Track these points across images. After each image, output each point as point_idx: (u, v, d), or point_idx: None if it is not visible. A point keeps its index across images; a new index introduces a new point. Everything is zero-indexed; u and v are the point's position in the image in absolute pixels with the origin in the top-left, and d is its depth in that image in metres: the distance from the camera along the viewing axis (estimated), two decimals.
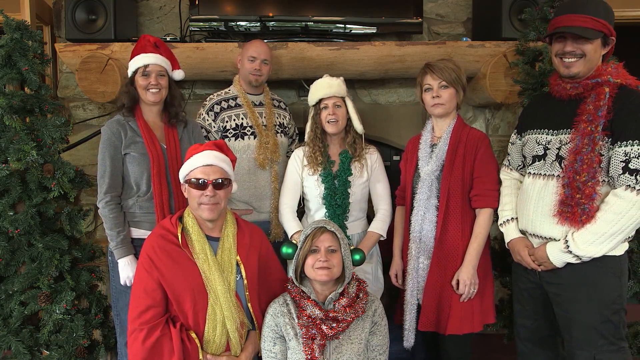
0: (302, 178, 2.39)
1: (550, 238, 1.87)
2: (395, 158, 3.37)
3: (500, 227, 2.08)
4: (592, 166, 1.74)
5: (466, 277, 2.04)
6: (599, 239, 1.74)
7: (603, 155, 1.76)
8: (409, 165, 2.24)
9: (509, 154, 2.15)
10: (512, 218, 2.04)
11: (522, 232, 2.00)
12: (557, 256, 1.82)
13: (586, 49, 1.80)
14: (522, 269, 2.03)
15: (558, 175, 1.83)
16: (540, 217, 1.88)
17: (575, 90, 1.84)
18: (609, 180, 1.78)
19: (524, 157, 2.05)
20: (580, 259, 1.78)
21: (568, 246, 1.78)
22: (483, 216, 2.09)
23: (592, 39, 1.78)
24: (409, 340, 2.15)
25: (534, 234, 1.93)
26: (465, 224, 2.09)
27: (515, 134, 2.12)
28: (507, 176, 2.14)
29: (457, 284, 2.06)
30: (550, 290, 1.92)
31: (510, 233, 2.03)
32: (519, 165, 2.10)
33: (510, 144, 2.14)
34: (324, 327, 1.78)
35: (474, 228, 2.09)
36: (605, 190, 1.78)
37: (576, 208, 1.76)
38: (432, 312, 2.11)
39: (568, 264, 1.82)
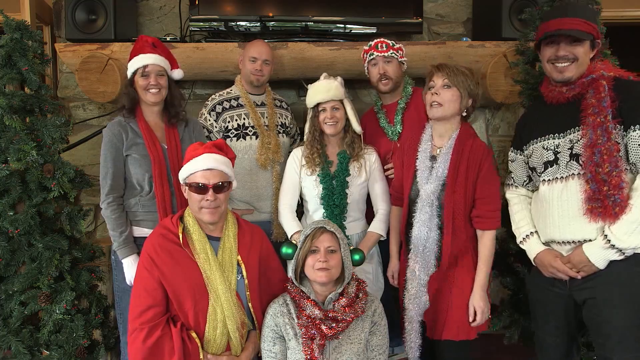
0: (301, 178, 2.39)
1: (582, 241, 1.80)
2: None
3: (521, 245, 2.01)
4: (612, 155, 1.71)
5: (482, 304, 1.94)
6: (639, 226, 1.69)
7: (619, 143, 1.74)
8: (406, 171, 2.12)
9: (511, 172, 2.11)
10: (531, 232, 1.97)
11: (546, 244, 1.93)
12: (598, 255, 1.75)
13: (578, 52, 1.81)
14: (544, 282, 1.95)
15: (578, 174, 1.80)
16: (568, 220, 1.82)
17: (573, 92, 1.84)
18: (630, 168, 1.75)
19: (532, 169, 1.99)
20: (624, 253, 1.72)
21: (609, 240, 1.72)
22: (487, 238, 1.98)
23: (586, 40, 1.80)
24: (412, 356, 2.07)
25: (562, 241, 1.85)
26: (468, 236, 2.00)
27: (513, 151, 2.08)
28: (514, 194, 2.08)
29: (474, 312, 1.95)
30: (581, 297, 1.84)
31: (534, 247, 1.95)
32: (525, 181, 2.05)
33: (510, 162, 2.10)
34: (323, 327, 1.77)
35: (479, 251, 1.99)
36: (630, 178, 1.75)
37: (606, 201, 1.72)
38: (429, 320, 2.05)
39: None
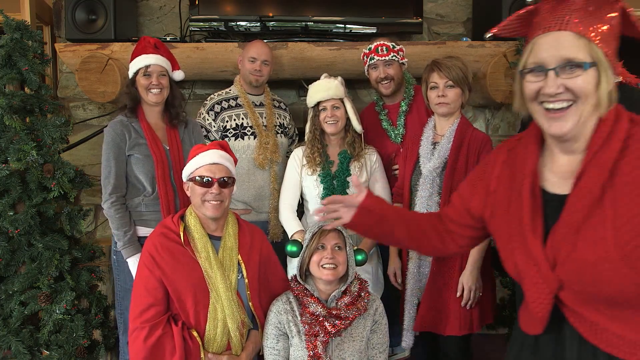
0: (301, 178, 2.39)
1: None
2: None
3: None
4: None
5: (471, 282, 2.01)
6: None
7: None
8: (408, 162, 2.20)
9: None
10: None
11: None
12: None
13: None
14: None
15: None
16: None
17: None
18: None
19: None
20: None
21: None
22: None
23: None
24: (407, 340, 2.12)
25: None
26: None
27: None
28: None
29: (462, 288, 2.01)
30: None
31: None
32: None
33: None
34: (326, 324, 1.78)
35: None
36: None
37: None
38: (429, 313, 2.07)
39: None
